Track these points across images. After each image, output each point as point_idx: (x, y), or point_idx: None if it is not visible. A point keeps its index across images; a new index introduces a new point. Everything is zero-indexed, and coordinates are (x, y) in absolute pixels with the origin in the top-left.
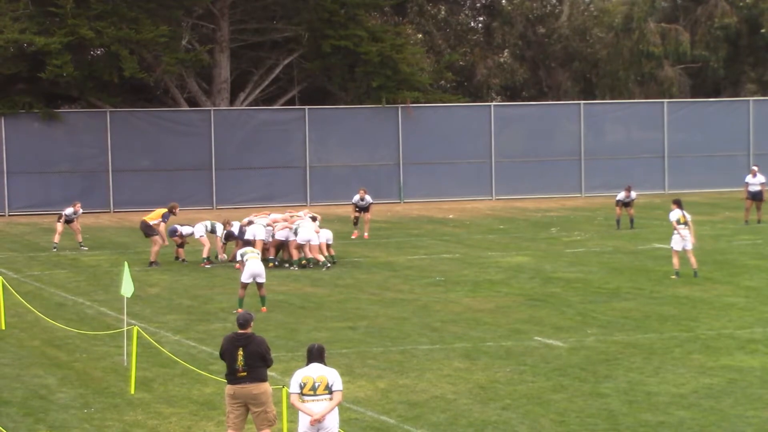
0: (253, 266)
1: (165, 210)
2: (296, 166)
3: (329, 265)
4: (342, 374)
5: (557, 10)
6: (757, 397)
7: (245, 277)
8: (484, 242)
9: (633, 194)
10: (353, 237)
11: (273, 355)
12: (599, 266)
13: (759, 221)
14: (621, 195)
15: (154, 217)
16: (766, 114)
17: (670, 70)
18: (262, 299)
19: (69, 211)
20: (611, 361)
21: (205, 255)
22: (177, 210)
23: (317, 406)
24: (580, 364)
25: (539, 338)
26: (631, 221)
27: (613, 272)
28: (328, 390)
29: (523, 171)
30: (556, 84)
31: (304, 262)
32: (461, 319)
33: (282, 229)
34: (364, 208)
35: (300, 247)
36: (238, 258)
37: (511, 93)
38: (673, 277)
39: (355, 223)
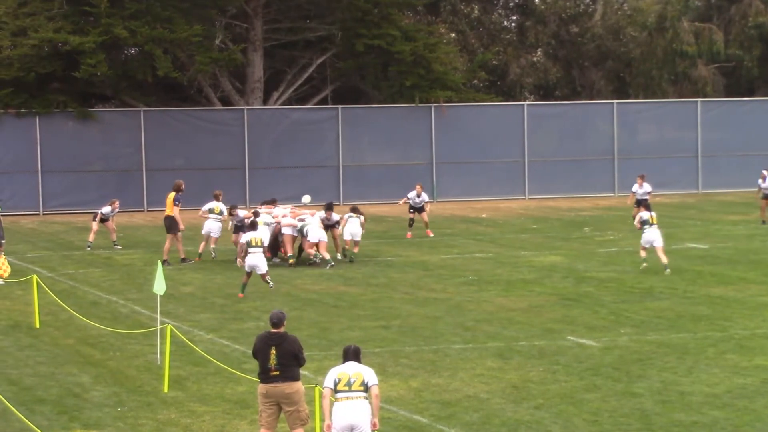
0: (252, 260)
1: (173, 194)
2: (329, 165)
3: (333, 264)
4: (375, 373)
5: (590, 9)
6: None
7: (247, 267)
8: (517, 241)
9: (647, 186)
10: (408, 237)
11: (306, 354)
12: (632, 266)
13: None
14: (635, 186)
15: (169, 206)
16: None
17: (703, 70)
18: (267, 281)
19: (107, 209)
20: (644, 361)
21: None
22: (182, 186)
23: (351, 404)
24: (613, 364)
25: (572, 338)
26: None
27: (647, 272)
28: (364, 386)
29: (556, 170)
30: (589, 83)
31: (317, 259)
32: (494, 318)
33: (287, 225)
34: (419, 208)
35: (314, 245)
36: (243, 241)
37: (544, 92)
38: (645, 264)
39: (411, 225)
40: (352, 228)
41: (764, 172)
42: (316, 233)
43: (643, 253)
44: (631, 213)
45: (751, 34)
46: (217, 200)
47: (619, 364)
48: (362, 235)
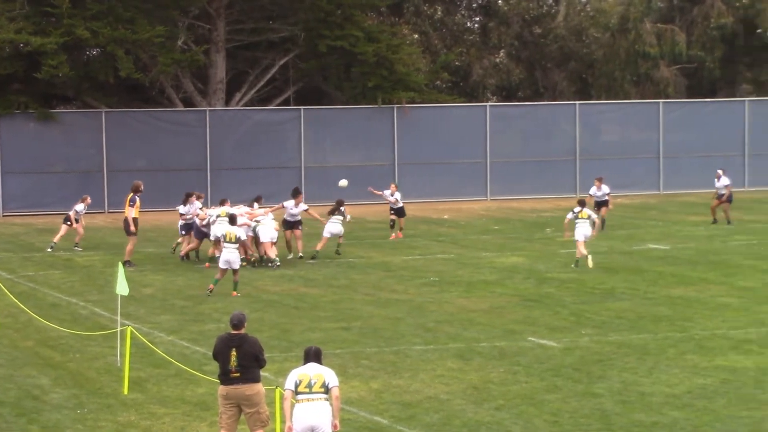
0: (226, 255)
1: (130, 195)
2: (292, 166)
3: (279, 263)
4: (336, 375)
5: (553, 11)
6: (751, 397)
7: (222, 263)
8: (479, 243)
9: (605, 188)
10: (392, 239)
11: (266, 355)
12: (594, 267)
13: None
14: (592, 189)
15: (126, 207)
16: (761, 114)
17: (666, 71)
18: (235, 285)
19: (80, 206)
20: (605, 362)
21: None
22: (141, 187)
23: (312, 406)
24: (573, 365)
25: (533, 338)
26: (602, 222)
27: (608, 272)
28: (325, 388)
29: (519, 171)
30: (552, 84)
31: (256, 260)
32: (455, 319)
33: (242, 225)
34: (398, 211)
35: (265, 245)
36: (219, 234)
37: (507, 93)
38: (573, 266)
39: (392, 226)
40: (333, 228)
41: (719, 171)
42: (268, 233)
43: (579, 251)
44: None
45: (713, 35)
46: (222, 205)
47: (579, 364)
48: (330, 234)
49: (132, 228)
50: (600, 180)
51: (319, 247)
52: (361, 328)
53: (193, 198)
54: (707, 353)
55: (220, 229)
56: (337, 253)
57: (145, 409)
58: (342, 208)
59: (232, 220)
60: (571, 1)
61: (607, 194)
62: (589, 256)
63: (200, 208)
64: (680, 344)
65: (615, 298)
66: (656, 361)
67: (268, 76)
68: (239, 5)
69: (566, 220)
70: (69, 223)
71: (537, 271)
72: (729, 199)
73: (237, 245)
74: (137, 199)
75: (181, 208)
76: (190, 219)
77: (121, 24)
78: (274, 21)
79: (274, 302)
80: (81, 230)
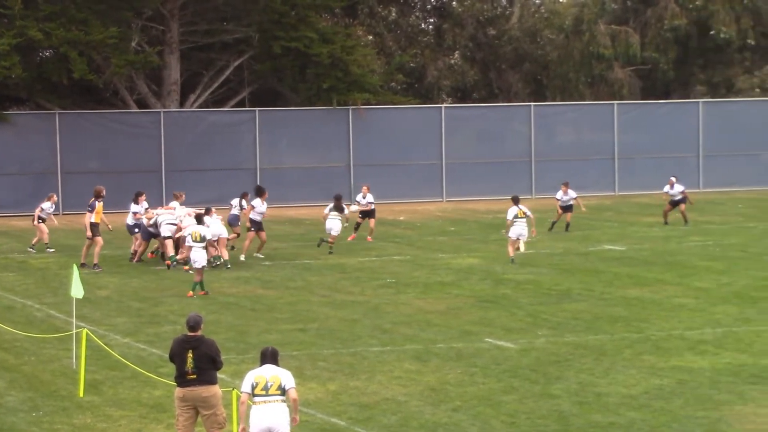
0: (193, 254)
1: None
2: (247, 167)
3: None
4: (293, 376)
5: (508, 12)
6: (707, 397)
7: (192, 263)
8: (435, 244)
9: (571, 193)
10: (350, 239)
11: (223, 357)
12: (550, 268)
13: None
14: (559, 194)
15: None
16: (715, 116)
17: (620, 72)
18: (194, 285)
19: (47, 205)
20: (562, 363)
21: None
22: (102, 192)
23: (268, 408)
24: (530, 366)
25: (490, 340)
26: (567, 225)
27: (564, 274)
28: (281, 390)
29: (474, 173)
30: (506, 86)
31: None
32: (412, 320)
33: (168, 223)
34: (369, 213)
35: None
36: (186, 234)
37: (462, 94)
38: (511, 264)
39: (356, 228)
40: (332, 224)
41: (672, 179)
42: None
43: (510, 250)
44: (554, 219)
45: (667, 36)
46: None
47: (536, 365)
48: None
49: (88, 233)
50: (566, 185)
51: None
52: (317, 330)
53: (143, 198)
54: (663, 354)
55: (189, 229)
56: (330, 252)
57: (101, 412)
58: (343, 204)
59: (199, 219)
60: (525, 2)
61: (574, 198)
62: (522, 244)
63: (146, 209)
64: (636, 345)
65: (571, 299)
66: (613, 362)
67: (223, 77)
68: (193, 6)
69: (508, 221)
70: (41, 220)
71: (493, 272)
72: (684, 201)
73: (203, 244)
74: (97, 204)
75: (133, 207)
76: (140, 219)
77: (75, 25)
78: (228, 22)
79: (231, 304)
80: (44, 231)
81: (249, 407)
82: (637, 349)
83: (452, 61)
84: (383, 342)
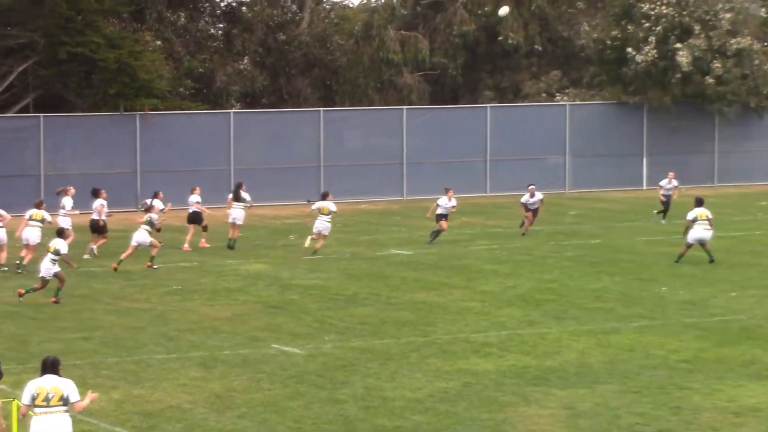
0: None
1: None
2: (31, 174)
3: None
4: (75, 386)
5: (298, 17)
6: (492, 399)
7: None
8: (223, 250)
9: (453, 200)
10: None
11: (3, 367)
12: (337, 272)
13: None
14: (443, 200)
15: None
16: (502, 120)
17: (409, 77)
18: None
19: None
20: (348, 367)
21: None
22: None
23: (50, 419)
24: (317, 371)
25: (276, 345)
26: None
27: (351, 278)
28: (63, 401)
29: (263, 178)
30: (296, 91)
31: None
32: (198, 327)
33: None
34: (192, 217)
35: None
36: None
37: (251, 100)
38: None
39: (205, 229)
40: (320, 225)
41: (531, 187)
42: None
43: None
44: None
45: (456, 42)
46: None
47: (323, 371)
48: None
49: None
50: (448, 190)
51: (319, 245)
52: (102, 338)
53: None
54: (449, 357)
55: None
56: (314, 253)
57: None
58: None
59: (60, 233)
60: (315, 8)
61: (454, 206)
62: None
63: None
64: (423, 349)
65: (358, 303)
66: (399, 366)
67: (6, 83)
68: None
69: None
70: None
71: (281, 277)
72: (535, 214)
73: (58, 258)
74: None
75: None
76: None
77: None
78: (12, 27)
79: (12, 313)
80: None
81: (30, 418)
82: (423, 352)
83: (241, 67)
84: (168, 349)
